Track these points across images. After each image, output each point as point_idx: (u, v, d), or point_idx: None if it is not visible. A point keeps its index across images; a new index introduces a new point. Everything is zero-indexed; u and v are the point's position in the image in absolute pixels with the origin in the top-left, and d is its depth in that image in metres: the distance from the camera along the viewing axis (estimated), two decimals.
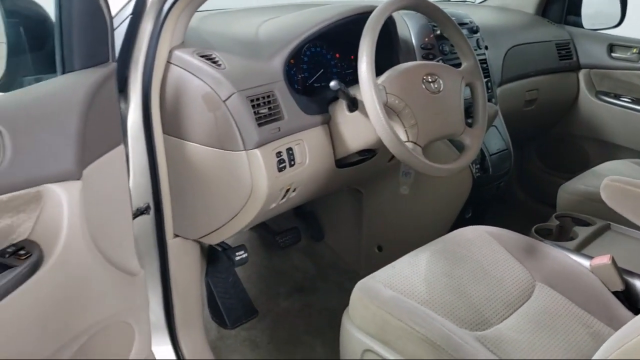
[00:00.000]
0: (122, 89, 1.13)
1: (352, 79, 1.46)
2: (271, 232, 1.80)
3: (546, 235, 1.46)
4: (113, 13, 1.03)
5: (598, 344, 0.85)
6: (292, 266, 1.89)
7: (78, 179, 0.85)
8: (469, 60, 1.40)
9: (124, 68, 1.12)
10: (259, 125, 1.16)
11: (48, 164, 0.82)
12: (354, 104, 1.27)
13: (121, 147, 1.01)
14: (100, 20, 0.94)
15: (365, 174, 1.57)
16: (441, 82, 1.30)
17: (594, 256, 1.23)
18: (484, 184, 1.65)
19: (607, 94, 2.22)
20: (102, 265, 0.93)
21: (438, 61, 1.55)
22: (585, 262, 1.23)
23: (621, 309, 1.13)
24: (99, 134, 0.93)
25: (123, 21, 1.11)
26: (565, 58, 2.21)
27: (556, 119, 2.30)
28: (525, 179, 2.43)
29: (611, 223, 1.49)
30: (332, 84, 1.22)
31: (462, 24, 1.68)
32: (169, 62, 1.15)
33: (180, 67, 1.15)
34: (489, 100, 1.64)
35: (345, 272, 1.89)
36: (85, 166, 0.88)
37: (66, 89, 0.89)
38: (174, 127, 1.19)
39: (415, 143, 1.25)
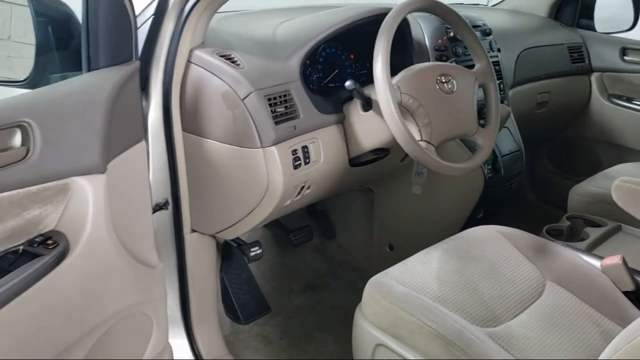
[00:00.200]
0: (144, 87, 1.16)
1: (366, 79, 1.49)
2: (284, 229, 1.82)
3: (557, 235, 1.47)
4: (136, 13, 1.06)
5: (608, 343, 0.85)
6: (304, 264, 1.91)
7: (103, 173, 0.88)
8: (482, 62, 1.42)
9: (146, 67, 1.15)
10: (276, 123, 1.19)
11: (75, 157, 0.85)
12: (368, 104, 1.29)
13: (143, 143, 1.04)
14: (124, 20, 0.97)
15: (378, 173, 1.59)
16: (454, 82, 1.33)
17: (605, 256, 1.24)
18: (495, 184, 1.66)
19: (619, 97, 2.23)
20: (124, 257, 0.96)
21: (451, 62, 1.57)
22: (596, 262, 1.24)
23: (631, 309, 1.14)
24: (122, 130, 0.96)
25: (145, 21, 1.14)
26: (578, 61, 2.22)
27: (568, 121, 2.31)
28: (536, 181, 2.44)
29: (622, 225, 1.50)
30: (348, 83, 1.25)
31: (475, 27, 1.69)
32: (189, 62, 1.18)
33: (200, 67, 1.18)
34: (501, 102, 1.66)
35: (356, 270, 1.91)
36: (110, 160, 0.91)
37: (92, 86, 0.93)
38: (193, 124, 1.22)
39: (428, 142, 1.27)
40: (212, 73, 1.17)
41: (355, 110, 1.33)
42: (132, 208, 1.01)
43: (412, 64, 1.36)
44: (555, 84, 2.12)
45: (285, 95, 1.22)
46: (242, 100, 1.16)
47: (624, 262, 1.19)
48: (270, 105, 1.19)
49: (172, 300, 1.32)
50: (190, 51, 1.18)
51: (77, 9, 1.04)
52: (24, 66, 1.14)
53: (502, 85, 1.75)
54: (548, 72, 2.09)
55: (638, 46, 2.19)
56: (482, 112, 1.44)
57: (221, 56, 1.18)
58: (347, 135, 1.35)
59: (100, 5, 0.95)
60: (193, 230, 1.32)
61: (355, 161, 1.41)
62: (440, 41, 1.61)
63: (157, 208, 1.22)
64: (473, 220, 1.67)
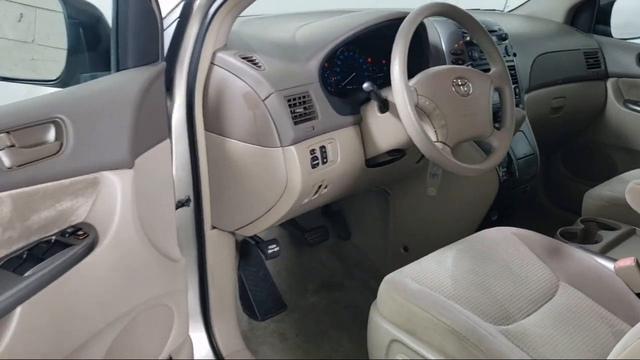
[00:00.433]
0: (169, 87, 1.20)
1: (383, 82, 1.51)
2: (301, 229, 1.85)
3: (571, 238, 1.48)
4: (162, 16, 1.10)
5: None
6: (319, 264, 1.94)
7: (130, 168, 0.92)
8: (498, 66, 1.44)
9: (171, 68, 1.19)
10: (295, 123, 1.22)
11: (104, 152, 0.89)
12: (385, 105, 1.32)
13: (167, 141, 1.08)
14: (152, 23, 1.01)
15: (394, 174, 1.61)
16: (470, 85, 1.35)
17: (618, 259, 1.25)
18: (510, 187, 1.68)
19: (635, 103, 2.23)
20: (149, 250, 0.99)
21: (467, 66, 1.59)
22: (610, 265, 1.25)
23: None
24: (148, 128, 1.00)
25: (171, 24, 1.18)
26: (593, 67, 2.22)
27: (583, 126, 2.31)
28: (550, 185, 2.44)
29: (636, 228, 1.51)
30: (365, 85, 1.28)
31: (491, 31, 1.71)
32: (212, 63, 1.22)
33: (223, 68, 1.22)
34: (517, 106, 1.67)
35: (371, 271, 1.93)
36: (137, 156, 0.95)
37: (121, 85, 0.97)
38: (215, 124, 1.25)
39: (444, 143, 1.29)
40: (234, 74, 1.21)
41: (372, 111, 1.35)
42: (156, 203, 1.05)
43: (428, 67, 1.38)
44: (571, 89, 2.13)
45: (304, 97, 1.25)
46: (263, 100, 1.19)
47: (638, 264, 1.20)
48: (289, 106, 1.22)
49: (192, 294, 1.36)
50: (214, 53, 1.22)
51: (107, 11, 1.08)
52: (47, 68, 1.19)
53: (517, 90, 1.77)
54: (563, 77, 2.10)
55: None
56: (497, 116, 1.46)
57: (243, 58, 1.22)
58: (363, 136, 1.38)
59: (130, 9, 0.99)
60: (213, 227, 1.35)
61: (371, 162, 1.44)
62: (456, 45, 1.63)
63: (179, 205, 1.26)
64: (488, 223, 1.68)
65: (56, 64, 1.16)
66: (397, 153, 1.47)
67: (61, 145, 0.84)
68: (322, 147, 1.28)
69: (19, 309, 0.76)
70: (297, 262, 1.90)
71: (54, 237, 0.84)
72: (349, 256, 2.00)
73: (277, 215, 1.30)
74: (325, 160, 1.28)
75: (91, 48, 1.08)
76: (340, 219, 2.01)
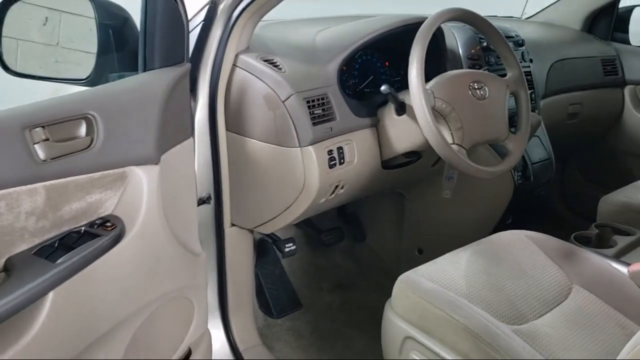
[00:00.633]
0: (192, 88, 1.24)
1: (400, 86, 1.54)
2: (316, 230, 1.88)
3: (585, 243, 1.48)
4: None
5: None
6: (334, 264, 1.97)
7: (156, 164, 0.96)
8: (514, 70, 1.46)
9: (195, 69, 1.23)
10: (314, 124, 1.25)
11: (132, 148, 0.93)
12: (402, 108, 1.34)
13: (191, 139, 1.12)
14: (178, 25, 1.05)
15: (409, 176, 1.64)
16: (487, 89, 1.37)
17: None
18: (525, 191, 1.69)
19: None
20: (172, 243, 1.03)
21: (484, 71, 1.61)
22: (623, 269, 1.26)
23: None
24: (173, 126, 1.03)
25: (196, 26, 1.22)
26: (611, 74, 2.23)
27: (599, 133, 2.32)
28: (566, 191, 2.44)
29: None
30: (383, 87, 1.31)
31: (508, 37, 1.73)
32: (234, 65, 1.26)
33: (245, 70, 1.25)
34: (532, 111, 1.69)
35: (385, 273, 1.95)
36: (162, 153, 0.99)
37: (148, 84, 1.00)
38: (236, 124, 1.29)
39: (460, 145, 1.32)
40: (255, 76, 1.25)
41: (389, 114, 1.38)
42: (179, 199, 1.09)
43: (445, 71, 1.40)
44: (588, 95, 2.14)
45: (323, 98, 1.29)
46: (283, 102, 1.23)
47: None
48: (308, 107, 1.25)
49: (211, 289, 1.39)
50: (236, 55, 1.26)
51: (134, 14, 1.13)
52: (70, 71, 1.23)
53: (533, 95, 1.79)
54: (580, 84, 2.11)
55: None
56: (513, 121, 1.48)
57: (265, 60, 1.26)
58: (380, 138, 1.41)
59: (158, 11, 1.02)
60: (233, 225, 1.39)
61: (387, 164, 1.46)
62: (473, 50, 1.66)
63: (200, 202, 1.30)
64: (502, 227, 1.68)
65: (79, 67, 1.21)
66: (413, 155, 1.49)
67: (92, 140, 0.87)
68: (340, 148, 1.31)
69: (51, 294, 0.80)
70: (313, 262, 1.93)
71: (83, 228, 0.88)
72: (364, 258, 2.02)
73: (294, 213, 1.33)
74: (342, 160, 1.31)
75: (119, 49, 1.13)
76: (356, 220, 2.04)
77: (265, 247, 1.68)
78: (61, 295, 0.82)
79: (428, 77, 1.33)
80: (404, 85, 1.33)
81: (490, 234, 1.42)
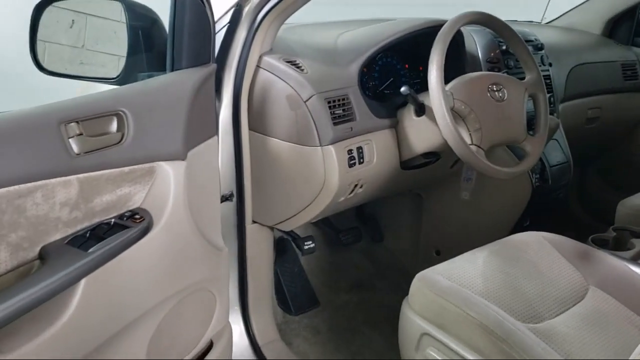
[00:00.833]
0: (217, 88, 1.27)
1: (419, 88, 1.56)
2: (335, 229, 1.91)
3: (602, 245, 1.48)
4: None
5: None
6: (352, 264, 1.99)
7: (183, 160, 1.00)
8: (533, 73, 1.48)
9: (220, 70, 1.26)
10: (334, 124, 1.28)
11: (160, 144, 0.97)
12: (421, 109, 1.37)
13: (215, 137, 1.15)
14: (205, 27, 1.09)
15: (428, 178, 1.65)
16: (505, 91, 1.39)
17: None
18: (542, 194, 1.70)
19: None
20: (197, 236, 1.06)
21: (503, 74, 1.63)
22: None
23: None
24: (199, 125, 1.07)
25: (221, 28, 1.26)
26: (631, 78, 2.22)
27: (619, 137, 2.31)
28: (585, 195, 2.44)
29: None
30: (403, 89, 1.33)
31: (527, 41, 1.75)
32: (258, 66, 1.29)
33: (268, 71, 1.29)
34: (551, 114, 1.70)
35: (402, 274, 1.97)
36: (189, 150, 1.02)
37: (176, 83, 1.04)
38: (259, 124, 1.32)
39: (478, 146, 1.33)
40: (278, 77, 1.28)
41: (408, 115, 1.40)
42: (204, 195, 1.12)
43: (464, 74, 1.42)
44: (607, 100, 2.14)
45: (343, 99, 1.31)
46: (305, 102, 1.26)
47: None
48: (329, 107, 1.28)
49: (232, 285, 1.42)
50: (260, 57, 1.29)
51: (163, 15, 1.17)
52: (94, 72, 1.28)
53: (552, 99, 1.79)
54: (600, 89, 2.11)
55: None
56: (531, 124, 1.50)
57: (287, 62, 1.29)
58: (399, 139, 1.43)
59: (186, 14, 1.06)
60: (254, 222, 1.42)
61: (406, 164, 1.48)
62: (492, 54, 1.67)
63: (223, 199, 1.33)
64: (520, 229, 1.69)
65: (103, 68, 1.25)
66: (432, 156, 1.50)
67: (122, 135, 0.91)
68: (359, 148, 1.33)
69: (83, 282, 0.84)
70: (330, 262, 1.96)
71: (113, 220, 0.92)
72: (381, 258, 2.04)
73: (314, 211, 1.36)
74: (362, 160, 1.34)
75: (148, 49, 1.17)
76: (374, 221, 2.06)
77: (284, 246, 1.71)
78: (92, 283, 0.85)
79: (447, 79, 1.35)
80: (423, 87, 1.35)
81: (508, 235, 1.43)
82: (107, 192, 0.90)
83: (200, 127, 1.08)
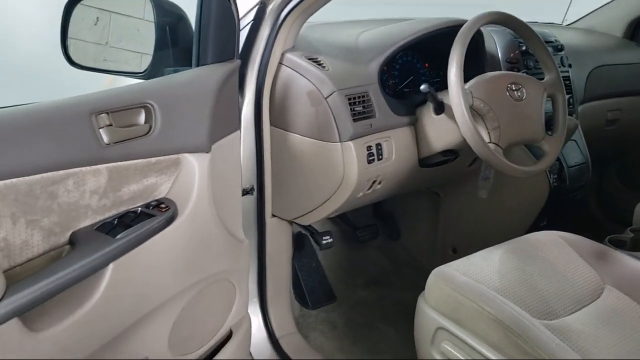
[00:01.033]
0: (240, 84, 1.31)
1: (439, 86, 1.58)
2: (352, 226, 1.93)
3: (619, 246, 1.48)
4: None
5: None
6: (369, 261, 2.01)
7: (207, 152, 1.03)
8: (552, 74, 1.48)
9: (243, 66, 1.29)
10: (354, 120, 1.30)
11: (186, 136, 1.00)
12: (440, 107, 1.38)
13: (238, 132, 1.18)
14: (230, 24, 1.12)
15: (446, 175, 1.67)
16: (524, 91, 1.40)
17: None
18: (560, 194, 1.70)
19: None
20: (219, 227, 1.09)
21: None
22: None
23: None
24: (223, 119, 1.10)
25: (245, 26, 1.29)
26: None
27: (638, 140, 2.30)
28: (603, 196, 2.43)
29: None
30: (423, 87, 1.35)
31: (547, 42, 1.75)
32: (280, 63, 1.32)
33: (290, 68, 1.32)
34: (570, 115, 1.70)
35: (419, 271, 1.98)
36: (213, 143, 1.05)
37: (202, 78, 1.07)
38: (280, 119, 1.35)
39: (496, 144, 1.35)
40: (300, 74, 1.30)
41: (427, 113, 1.42)
42: (226, 187, 1.15)
43: (484, 73, 1.44)
44: (627, 102, 2.13)
45: (363, 96, 1.33)
46: (325, 98, 1.28)
47: None
48: (350, 104, 1.30)
49: (251, 277, 1.45)
50: (282, 54, 1.32)
51: (189, 12, 1.20)
52: (117, 68, 1.31)
53: (571, 100, 1.79)
54: (620, 91, 2.10)
55: None
56: (550, 124, 1.50)
57: (309, 59, 1.31)
58: (418, 137, 1.45)
59: (212, 11, 1.09)
60: (273, 215, 1.45)
61: (425, 162, 1.50)
62: (512, 54, 1.68)
63: (244, 193, 1.36)
64: (537, 228, 1.69)
65: (126, 65, 1.28)
66: (450, 154, 1.52)
67: (150, 127, 0.94)
68: (378, 145, 1.35)
69: (111, 266, 0.87)
70: (347, 258, 1.98)
71: (139, 208, 0.95)
72: (398, 256, 2.06)
73: (333, 206, 1.38)
74: (380, 156, 1.36)
75: (174, 45, 1.20)
76: (391, 219, 2.08)
77: (302, 241, 1.73)
78: (119, 268, 0.89)
79: (467, 79, 1.36)
80: (443, 86, 1.37)
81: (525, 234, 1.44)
82: (134, 182, 0.93)
83: (224, 121, 1.11)
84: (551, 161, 1.43)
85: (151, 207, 0.96)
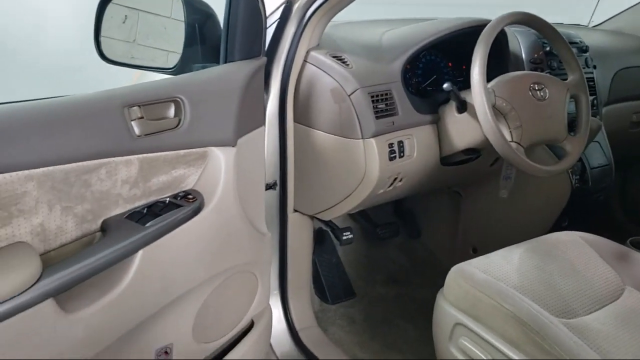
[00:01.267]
0: (265, 81, 1.33)
1: (462, 86, 1.58)
2: (372, 224, 1.95)
3: None
4: None
5: None
6: (388, 258, 2.03)
7: (233, 146, 1.06)
8: (575, 74, 1.48)
9: (269, 64, 1.32)
10: (376, 118, 1.32)
11: (213, 130, 1.03)
12: (463, 106, 1.39)
13: (263, 128, 1.21)
14: (257, 22, 1.15)
15: (467, 174, 1.67)
16: (547, 90, 1.40)
17: None
18: (582, 195, 1.70)
19: None
20: (243, 220, 1.12)
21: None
22: None
23: None
24: (248, 114, 1.13)
25: (272, 24, 1.32)
26: None
27: None
28: (627, 199, 2.40)
29: None
30: (445, 85, 1.36)
31: (572, 43, 1.74)
32: (305, 61, 1.35)
33: (315, 66, 1.34)
34: (593, 117, 1.70)
35: (439, 270, 1.98)
36: (239, 137, 1.08)
37: (229, 74, 1.10)
38: (304, 116, 1.38)
39: (518, 143, 1.35)
40: (324, 71, 1.33)
41: (450, 111, 1.43)
42: (250, 181, 1.18)
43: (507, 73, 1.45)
44: None
45: (386, 94, 1.35)
46: (349, 95, 1.30)
47: None
48: (372, 101, 1.32)
49: (272, 270, 1.48)
50: (307, 52, 1.34)
51: (217, 10, 1.23)
52: (151, 63, 1.34)
53: (595, 102, 1.79)
54: None
55: None
56: (572, 125, 1.50)
57: (333, 57, 1.34)
58: (440, 135, 1.46)
59: (240, 9, 1.12)
60: (295, 210, 1.47)
61: (446, 160, 1.51)
62: (536, 55, 1.68)
63: (267, 187, 1.39)
64: (558, 229, 1.69)
65: (152, 62, 1.32)
66: (472, 153, 1.53)
67: (179, 121, 0.98)
68: (400, 142, 1.37)
69: (140, 252, 0.91)
70: (367, 255, 2.00)
71: (168, 199, 0.99)
72: (418, 254, 2.07)
73: (354, 202, 1.40)
74: (402, 154, 1.37)
75: (203, 42, 1.23)
76: (412, 217, 2.09)
77: (323, 237, 1.76)
78: (148, 255, 0.92)
79: (490, 78, 1.37)
80: (466, 86, 1.38)
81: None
82: (163, 173, 0.97)
83: (250, 117, 1.14)
84: (573, 161, 1.43)
85: (179, 198, 1.00)
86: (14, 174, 0.76)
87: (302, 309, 1.56)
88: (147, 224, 0.92)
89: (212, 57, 1.20)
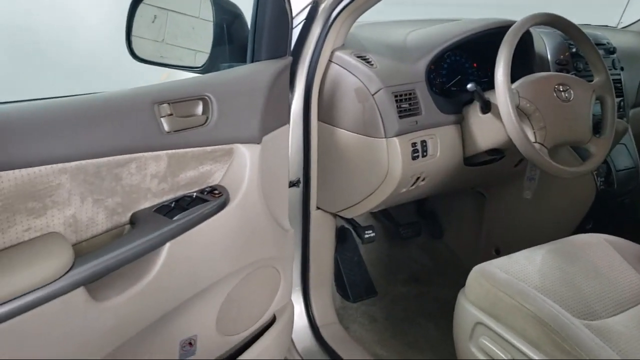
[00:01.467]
0: (291, 80, 1.35)
1: (486, 86, 1.58)
2: (395, 223, 1.96)
3: None
4: None
5: None
6: (410, 258, 2.03)
7: (258, 144, 1.08)
8: (601, 75, 1.47)
9: (294, 63, 1.34)
10: (400, 117, 1.33)
11: (240, 128, 1.05)
12: (487, 106, 1.40)
13: (287, 126, 1.23)
14: (284, 22, 1.17)
15: (491, 175, 1.67)
16: (572, 92, 1.40)
17: None
18: (607, 198, 1.68)
19: None
20: (267, 216, 1.15)
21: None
22: None
23: None
24: (274, 113, 1.15)
25: (298, 24, 1.34)
26: None
27: None
28: None
29: None
30: (469, 85, 1.37)
31: (598, 44, 1.73)
32: (330, 61, 1.36)
33: (339, 65, 1.36)
34: (620, 119, 1.68)
35: (461, 271, 1.97)
36: (264, 135, 1.11)
37: (256, 74, 1.13)
38: (328, 115, 1.40)
39: (542, 144, 1.35)
40: (348, 71, 1.34)
41: (474, 112, 1.44)
42: (274, 178, 1.20)
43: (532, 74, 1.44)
44: None
45: (410, 94, 1.36)
46: (372, 95, 1.32)
47: None
48: (396, 101, 1.33)
49: (295, 267, 1.50)
50: (332, 52, 1.36)
51: (245, 11, 1.26)
52: (180, 61, 1.37)
53: (622, 104, 1.77)
54: None
55: None
56: (598, 127, 1.49)
57: (358, 57, 1.35)
58: (464, 135, 1.46)
59: (267, 9, 1.15)
60: (318, 208, 1.49)
61: (470, 161, 1.51)
62: (562, 56, 1.67)
63: (290, 185, 1.41)
64: (582, 231, 1.68)
65: (180, 61, 1.35)
66: (496, 154, 1.53)
67: (207, 118, 1.01)
68: (423, 142, 1.38)
69: (168, 245, 0.94)
70: (389, 254, 2.00)
71: (195, 194, 1.02)
72: (440, 254, 2.07)
73: (376, 200, 1.41)
74: (425, 153, 1.38)
75: (230, 42, 1.26)
76: (434, 217, 2.09)
77: (345, 235, 1.77)
78: (175, 248, 0.95)
79: (515, 79, 1.37)
80: (490, 86, 1.38)
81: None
82: (191, 168, 1.00)
83: (275, 115, 1.16)
84: (597, 163, 1.42)
85: (205, 193, 1.03)
86: (48, 167, 0.80)
87: (323, 306, 1.58)
88: (175, 218, 0.95)
89: (239, 56, 1.23)
